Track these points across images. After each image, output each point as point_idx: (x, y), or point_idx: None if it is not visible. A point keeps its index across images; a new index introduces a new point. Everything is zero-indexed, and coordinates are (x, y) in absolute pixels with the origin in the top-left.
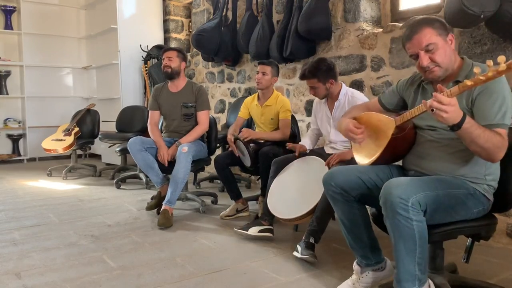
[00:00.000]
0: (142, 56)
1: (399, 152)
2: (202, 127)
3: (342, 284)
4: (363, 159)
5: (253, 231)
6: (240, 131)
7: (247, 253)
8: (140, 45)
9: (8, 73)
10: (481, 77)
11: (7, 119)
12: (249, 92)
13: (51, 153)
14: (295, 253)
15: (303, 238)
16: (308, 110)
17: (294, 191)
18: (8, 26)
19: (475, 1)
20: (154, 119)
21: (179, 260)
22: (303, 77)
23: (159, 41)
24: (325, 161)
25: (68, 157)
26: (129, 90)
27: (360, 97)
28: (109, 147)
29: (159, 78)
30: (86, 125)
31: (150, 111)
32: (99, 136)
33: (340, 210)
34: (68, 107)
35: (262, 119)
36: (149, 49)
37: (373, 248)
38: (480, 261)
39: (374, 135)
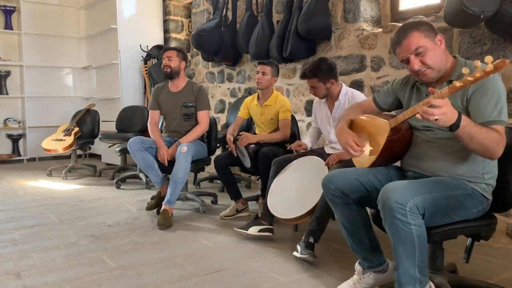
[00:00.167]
0: (142, 56)
1: (397, 153)
2: (202, 127)
3: (342, 284)
4: (361, 162)
5: (253, 230)
6: (239, 132)
7: (247, 253)
8: (140, 45)
9: (8, 73)
10: (469, 78)
11: (7, 119)
12: (249, 92)
13: (51, 153)
14: (295, 253)
15: (303, 238)
16: (308, 110)
17: (294, 191)
18: (8, 26)
19: (475, 1)
20: (154, 119)
21: (179, 260)
22: (303, 76)
23: (159, 41)
24: (325, 161)
25: (68, 157)
26: (129, 90)
27: (360, 97)
28: (109, 147)
29: (159, 78)
30: (86, 125)
31: (150, 111)
32: (99, 136)
33: (340, 213)
34: (68, 107)
35: (262, 119)
36: (149, 49)
37: (374, 250)
38: (480, 261)
39: (370, 138)
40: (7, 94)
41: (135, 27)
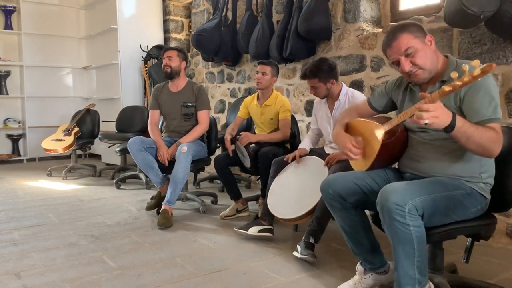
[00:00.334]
0: (142, 56)
1: (393, 155)
2: (202, 127)
3: (343, 284)
4: (358, 166)
5: (253, 231)
6: (238, 132)
7: (247, 253)
8: (140, 45)
9: (8, 73)
10: (457, 83)
11: (7, 119)
12: (249, 92)
13: (51, 153)
14: (295, 253)
15: (303, 238)
16: (308, 110)
17: (294, 191)
18: (8, 26)
19: (475, 1)
20: (154, 119)
21: (179, 260)
22: (304, 76)
23: (159, 41)
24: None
25: (68, 157)
26: (129, 90)
27: (360, 97)
28: (109, 147)
29: (159, 78)
30: (86, 125)
31: (150, 111)
32: (99, 136)
33: (339, 216)
34: (68, 107)
35: (262, 119)
36: (149, 49)
37: (374, 252)
38: (480, 261)
39: (366, 142)
40: (7, 94)
41: (135, 27)
